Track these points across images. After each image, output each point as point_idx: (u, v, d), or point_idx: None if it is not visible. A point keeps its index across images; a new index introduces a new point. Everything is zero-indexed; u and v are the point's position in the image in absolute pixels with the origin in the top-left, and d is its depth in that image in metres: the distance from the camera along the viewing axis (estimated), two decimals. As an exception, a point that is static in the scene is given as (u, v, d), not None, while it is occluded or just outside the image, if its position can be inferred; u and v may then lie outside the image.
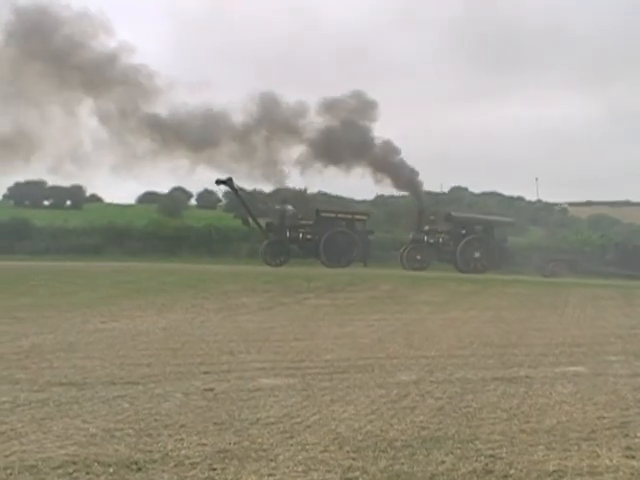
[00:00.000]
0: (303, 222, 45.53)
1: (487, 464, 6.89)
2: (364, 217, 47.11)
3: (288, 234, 44.54)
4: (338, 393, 10.03)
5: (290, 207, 45.95)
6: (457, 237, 46.10)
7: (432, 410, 9.06)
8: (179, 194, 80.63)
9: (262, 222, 44.87)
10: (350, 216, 46.47)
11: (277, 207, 47.64)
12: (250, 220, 44.87)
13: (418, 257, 45.94)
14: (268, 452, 7.19)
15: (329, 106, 48.04)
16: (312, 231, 44.57)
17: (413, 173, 49.20)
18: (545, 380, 11.32)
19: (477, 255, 45.39)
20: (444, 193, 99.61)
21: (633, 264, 47.67)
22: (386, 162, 48.67)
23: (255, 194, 51.60)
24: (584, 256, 50.27)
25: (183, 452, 7.14)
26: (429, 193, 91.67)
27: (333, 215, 45.91)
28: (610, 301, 28.00)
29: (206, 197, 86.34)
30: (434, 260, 46.58)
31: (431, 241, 46.66)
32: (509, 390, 10.45)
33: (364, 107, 48.47)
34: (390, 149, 49.07)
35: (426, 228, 47.23)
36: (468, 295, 28.37)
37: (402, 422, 8.40)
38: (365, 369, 12.01)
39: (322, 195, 66.84)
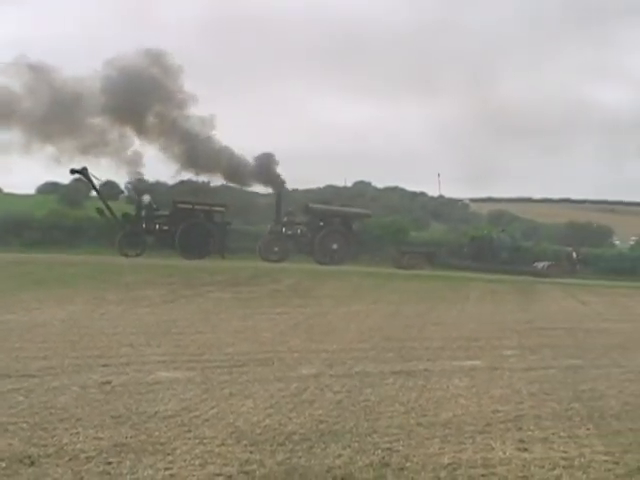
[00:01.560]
0: (159, 213, 44.62)
1: (384, 457, 6.95)
2: (222, 208, 46.32)
3: (144, 225, 43.57)
4: (237, 387, 10.00)
5: (147, 197, 45.09)
6: (315, 229, 46.36)
7: (331, 404, 9.10)
8: (80, 184, 79.08)
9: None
10: (208, 207, 45.71)
11: (136, 197, 47.09)
12: (106, 210, 43.54)
13: (276, 249, 45.86)
14: (165, 446, 7.12)
15: None
16: (168, 222, 43.68)
17: (270, 165, 49.23)
18: (443, 374, 11.48)
19: (335, 247, 45.74)
20: (347, 187, 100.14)
21: (487, 258, 49.30)
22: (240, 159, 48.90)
23: (111, 184, 50.68)
24: (441, 249, 51.19)
25: (78, 446, 7.02)
26: (332, 187, 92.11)
27: (190, 206, 45.03)
28: (508, 296, 28.60)
29: (108, 187, 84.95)
30: (292, 252, 46.49)
31: (289, 233, 46.72)
32: (407, 383, 10.57)
33: None
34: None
35: (285, 220, 47.33)
36: (371, 289, 28.60)
37: (301, 416, 8.42)
38: (265, 363, 12.00)
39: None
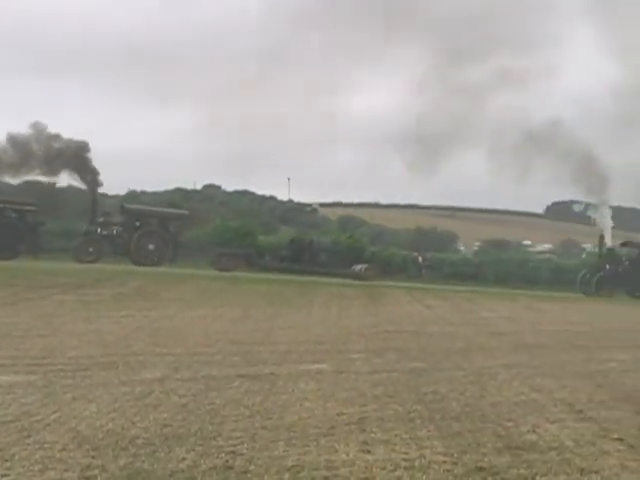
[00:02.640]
0: None
1: (228, 460, 6.92)
2: (33, 207, 45.53)
3: None
4: (80, 391, 9.78)
5: None
6: (131, 229, 45.98)
7: (176, 407, 9.01)
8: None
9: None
10: (18, 206, 44.78)
11: None
12: None
13: (90, 249, 45.12)
14: (4, 452, 6.89)
15: None
16: None
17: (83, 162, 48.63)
18: (289, 377, 11.52)
19: (152, 247, 45.55)
20: (197, 190, 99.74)
21: (306, 260, 50.03)
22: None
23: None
24: (259, 251, 51.66)
25: None
26: (181, 190, 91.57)
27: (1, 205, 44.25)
28: (355, 300, 29.00)
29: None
30: (108, 253, 45.97)
31: (105, 233, 46.26)
32: (253, 387, 10.56)
33: None
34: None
35: (101, 220, 46.85)
36: (218, 293, 28.52)
37: (145, 420, 8.30)
38: (109, 366, 11.78)
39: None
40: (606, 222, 54.77)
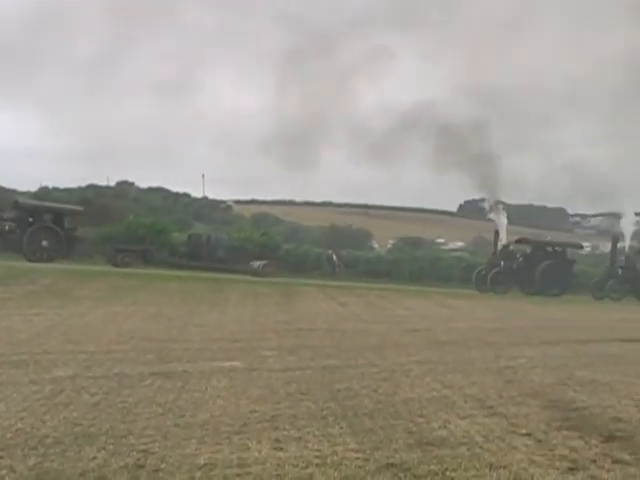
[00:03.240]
0: None
1: (139, 459, 6.86)
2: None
3: None
4: (-12, 390, 9.61)
5: None
6: (24, 225, 45.11)
7: (87, 406, 8.89)
8: None
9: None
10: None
11: None
12: None
13: None
14: None
15: None
16: None
17: None
18: (202, 375, 11.48)
19: (45, 244, 44.89)
20: (110, 187, 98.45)
21: (203, 256, 50.55)
22: None
23: None
24: (155, 247, 51.33)
25: None
26: (94, 186, 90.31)
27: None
28: (269, 298, 29.04)
29: None
30: (0, 249, 44.85)
31: None
32: (166, 385, 10.49)
33: None
34: None
35: None
36: (131, 290, 28.27)
37: (55, 419, 8.18)
38: (19, 365, 11.58)
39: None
40: (501, 219, 55.59)
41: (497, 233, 54.41)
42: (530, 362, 14.54)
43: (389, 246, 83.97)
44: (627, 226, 57.41)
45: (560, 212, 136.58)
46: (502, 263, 51.21)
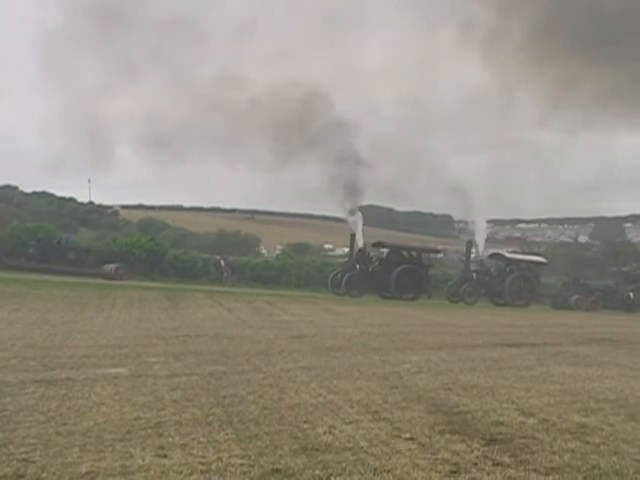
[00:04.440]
0: None
1: (19, 468, 6.73)
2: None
3: None
4: None
5: None
6: None
7: (-35, 415, 8.68)
8: None
9: None
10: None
11: None
12: None
13: None
14: None
15: None
16: None
17: None
18: (86, 382, 11.29)
19: None
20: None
21: (54, 259, 49.68)
22: None
23: None
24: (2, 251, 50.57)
25: None
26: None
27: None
28: (155, 303, 28.78)
29: None
30: None
31: None
32: (48, 392, 10.29)
33: None
34: None
35: None
36: (13, 296, 27.61)
37: None
38: None
39: None
40: (357, 223, 56.13)
41: (353, 236, 54.78)
42: (415, 367, 14.77)
43: (277, 252, 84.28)
44: (479, 232, 59.19)
45: (446, 219, 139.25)
46: (357, 266, 51.69)
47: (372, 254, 54.59)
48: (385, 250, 55.77)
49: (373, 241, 57.43)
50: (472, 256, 58.04)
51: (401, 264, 52.04)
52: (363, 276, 51.18)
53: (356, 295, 49.24)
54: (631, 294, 57.13)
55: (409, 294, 50.50)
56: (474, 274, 54.38)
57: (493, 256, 59.46)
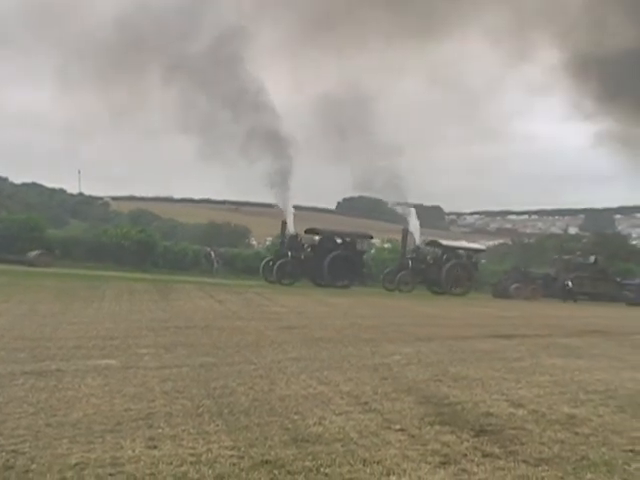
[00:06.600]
0: None
1: (8, 460, 6.70)
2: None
3: None
4: None
5: None
6: None
7: (-46, 406, 8.66)
8: None
9: None
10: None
11: None
12: None
13: None
14: None
15: None
16: None
17: None
18: (76, 373, 11.27)
19: None
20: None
21: None
22: None
23: None
24: None
25: None
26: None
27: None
28: (146, 295, 28.76)
29: None
30: None
31: None
32: (38, 384, 10.26)
33: None
34: None
35: None
36: (2, 287, 27.60)
37: None
38: None
39: None
40: (288, 208, 54.69)
41: (284, 223, 53.74)
42: (405, 358, 14.78)
43: (267, 243, 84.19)
44: (413, 220, 58.57)
45: (436, 210, 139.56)
46: (289, 254, 51.09)
47: (304, 241, 53.56)
48: (318, 237, 54.91)
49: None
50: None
51: (333, 250, 51.55)
52: (295, 263, 50.64)
53: (288, 283, 49.02)
54: (569, 282, 57.70)
55: (343, 281, 50.09)
56: (410, 262, 54.10)
57: (430, 243, 59.32)
